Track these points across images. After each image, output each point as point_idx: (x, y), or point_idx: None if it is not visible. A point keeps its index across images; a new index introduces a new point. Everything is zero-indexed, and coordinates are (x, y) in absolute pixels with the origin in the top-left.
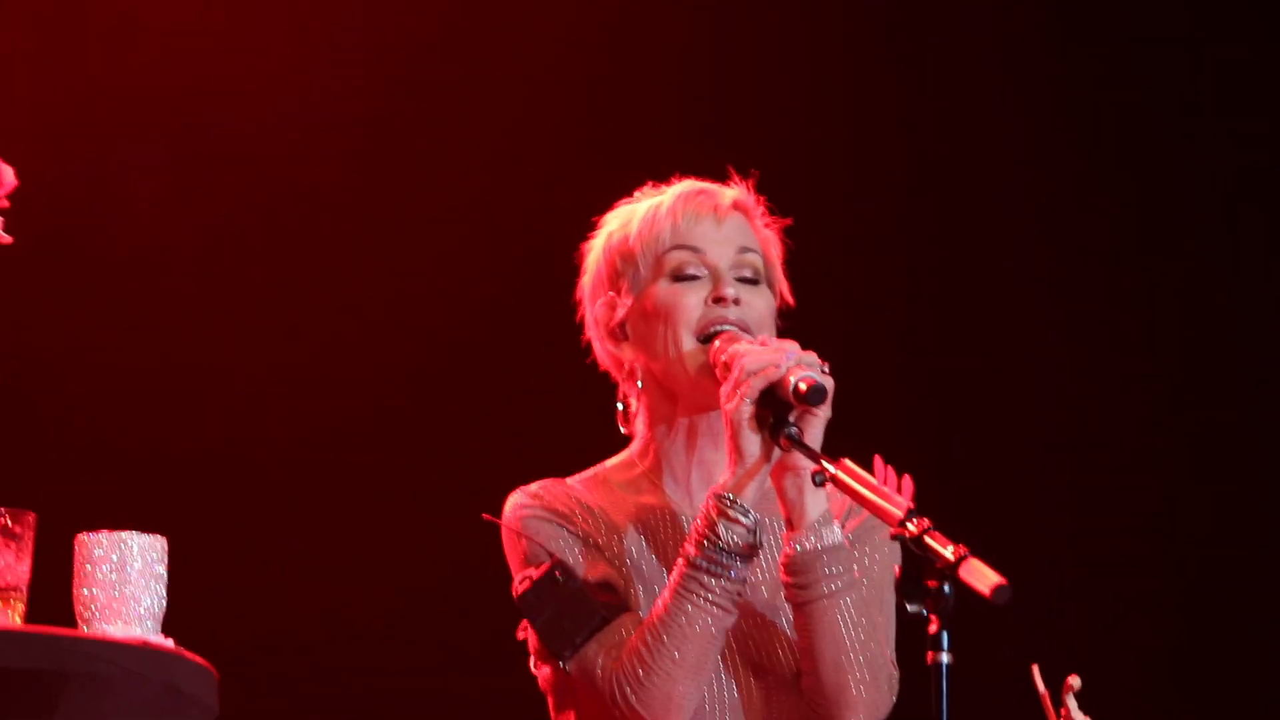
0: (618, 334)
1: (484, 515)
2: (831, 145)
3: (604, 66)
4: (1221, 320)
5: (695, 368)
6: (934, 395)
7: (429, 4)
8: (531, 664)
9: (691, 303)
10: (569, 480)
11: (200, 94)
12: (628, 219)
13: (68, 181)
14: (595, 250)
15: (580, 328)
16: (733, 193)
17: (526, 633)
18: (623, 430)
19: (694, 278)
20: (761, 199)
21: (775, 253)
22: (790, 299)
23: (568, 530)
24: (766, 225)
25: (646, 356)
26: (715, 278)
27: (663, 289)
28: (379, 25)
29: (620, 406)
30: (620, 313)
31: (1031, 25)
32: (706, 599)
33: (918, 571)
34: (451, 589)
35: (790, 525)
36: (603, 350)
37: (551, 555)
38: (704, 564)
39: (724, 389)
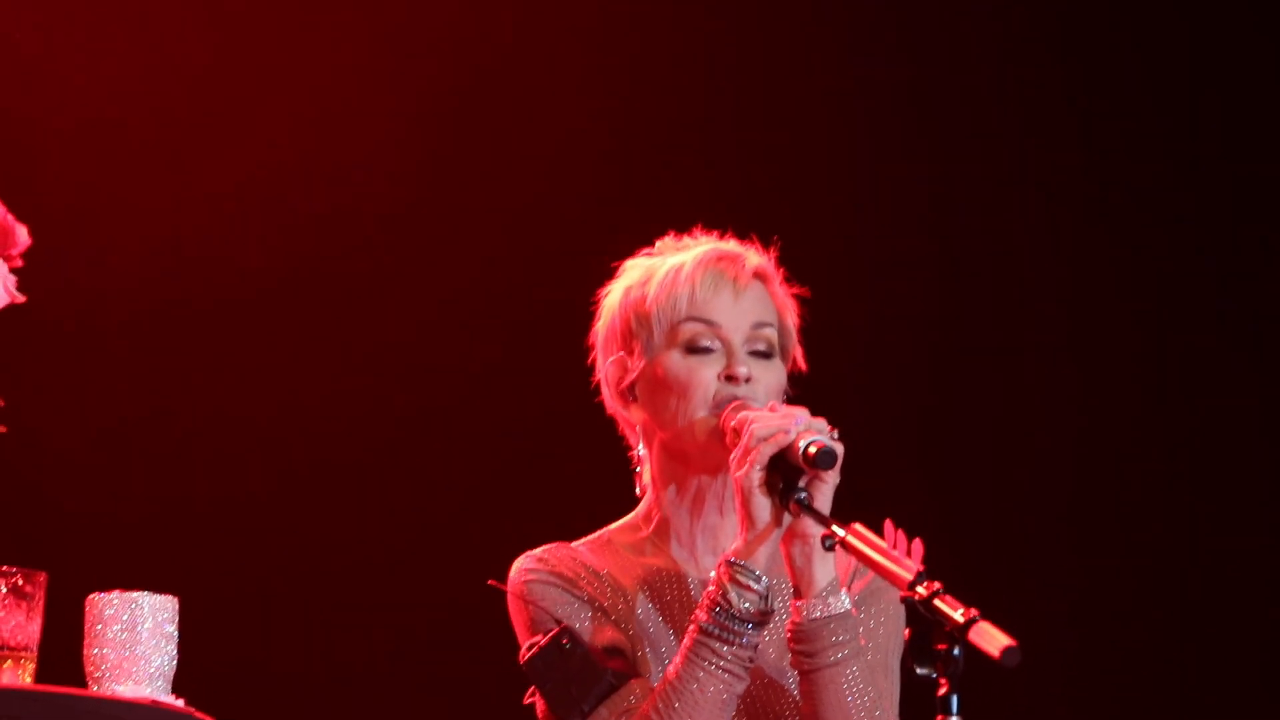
0: (627, 395)
1: (490, 581)
2: (850, 207)
3: (632, 115)
4: (1240, 372)
5: (704, 435)
6: (945, 459)
7: (449, 44)
8: None
9: (704, 378)
10: (574, 544)
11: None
12: (647, 278)
13: (70, 238)
14: (611, 303)
15: (591, 373)
16: (754, 260)
17: (534, 698)
18: (638, 493)
19: (707, 350)
20: (782, 270)
21: (791, 320)
22: (803, 364)
23: (574, 595)
24: (785, 291)
25: (655, 422)
26: (729, 353)
27: (675, 360)
28: (409, 65)
29: (637, 469)
30: (631, 375)
31: (1055, 60)
32: (718, 665)
33: (927, 634)
34: (461, 654)
35: (798, 593)
36: (609, 404)
37: (558, 621)
38: (715, 630)
39: (734, 455)
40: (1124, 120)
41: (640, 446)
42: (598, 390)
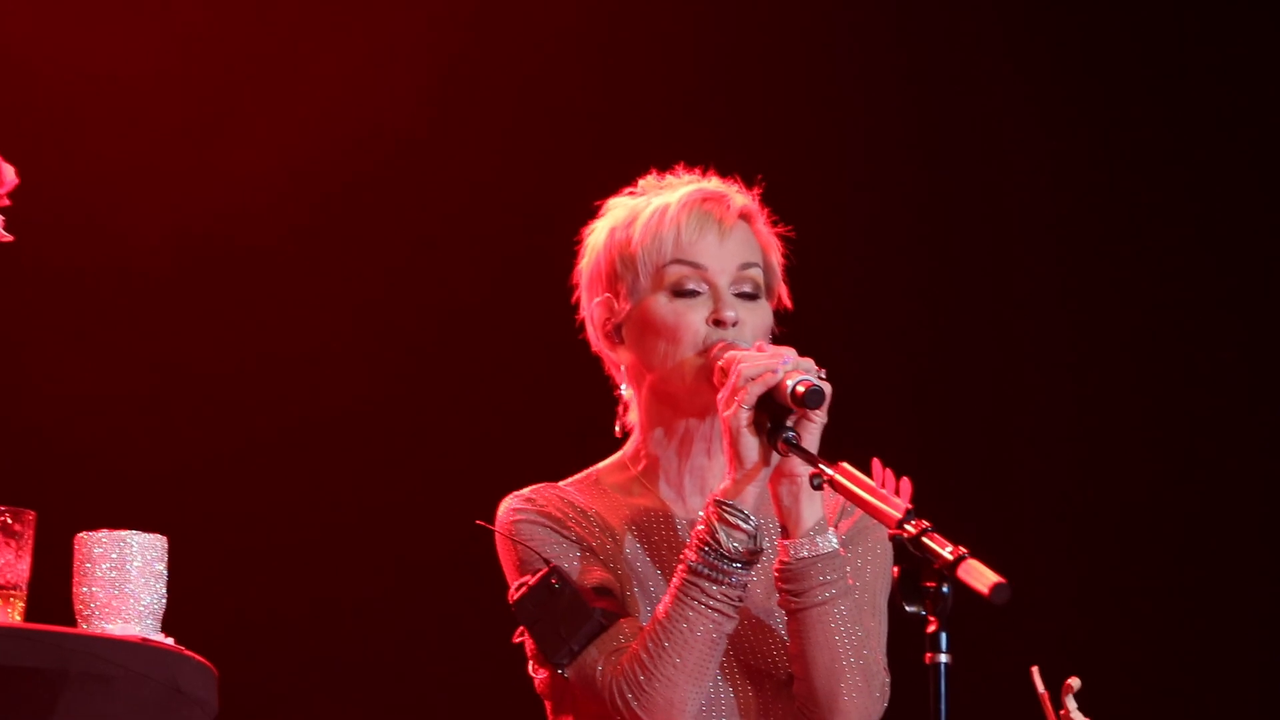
0: (613, 336)
1: (478, 521)
2: (834, 146)
3: (612, 54)
4: (1230, 324)
5: (693, 378)
6: (933, 397)
7: None
8: (529, 668)
9: (691, 322)
10: (562, 483)
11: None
12: (631, 218)
13: (72, 180)
14: (596, 243)
15: (575, 311)
16: (739, 200)
17: (523, 637)
18: (617, 433)
19: (694, 294)
20: (766, 209)
21: (776, 259)
22: (789, 303)
23: (562, 534)
24: (769, 230)
25: (643, 365)
26: (715, 296)
27: (662, 304)
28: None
29: (620, 410)
30: (617, 317)
31: (1047, 28)
32: (707, 604)
33: (916, 572)
34: (448, 591)
35: (785, 533)
36: (595, 344)
37: (547, 561)
38: (704, 570)
39: (721, 395)
40: (1120, 70)
41: (626, 387)
42: (582, 328)
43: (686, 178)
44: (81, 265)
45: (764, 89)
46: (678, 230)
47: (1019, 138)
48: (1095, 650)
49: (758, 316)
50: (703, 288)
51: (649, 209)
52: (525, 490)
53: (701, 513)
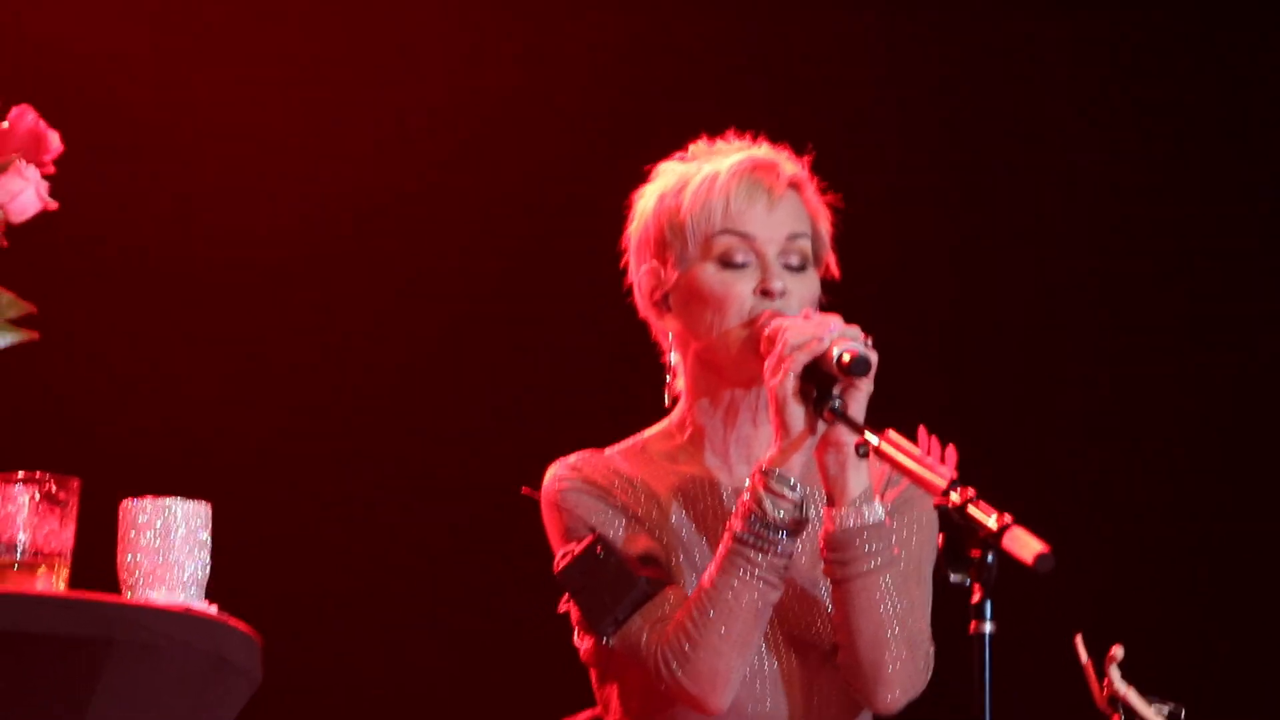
0: (661, 304)
1: (523, 489)
2: (880, 121)
3: (664, 19)
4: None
5: (739, 348)
6: (979, 367)
7: None
8: (574, 637)
9: (739, 293)
10: (607, 451)
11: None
12: (681, 185)
13: (116, 159)
14: (645, 209)
15: (624, 277)
16: (788, 169)
17: (568, 606)
18: (666, 402)
19: (742, 265)
20: (815, 178)
21: (825, 228)
22: (836, 272)
23: (607, 503)
24: (819, 198)
25: (690, 333)
26: (763, 267)
27: (710, 274)
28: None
29: (667, 378)
30: (665, 285)
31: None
32: (753, 574)
33: (961, 541)
34: (495, 559)
35: (831, 501)
36: (642, 311)
37: (592, 529)
38: (750, 539)
39: (768, 364)
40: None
41: (673, 354)
42: (629, 293)
43: (737, 144)
44: (128, 236)
45: (812, 60)
46: (727, 199)
47: (1065, 111)
48: (1140, 619)
49: (805, 287)
50: (750, 258)
51: (699, 176)
52: (571, 458)
53: (748, 481)
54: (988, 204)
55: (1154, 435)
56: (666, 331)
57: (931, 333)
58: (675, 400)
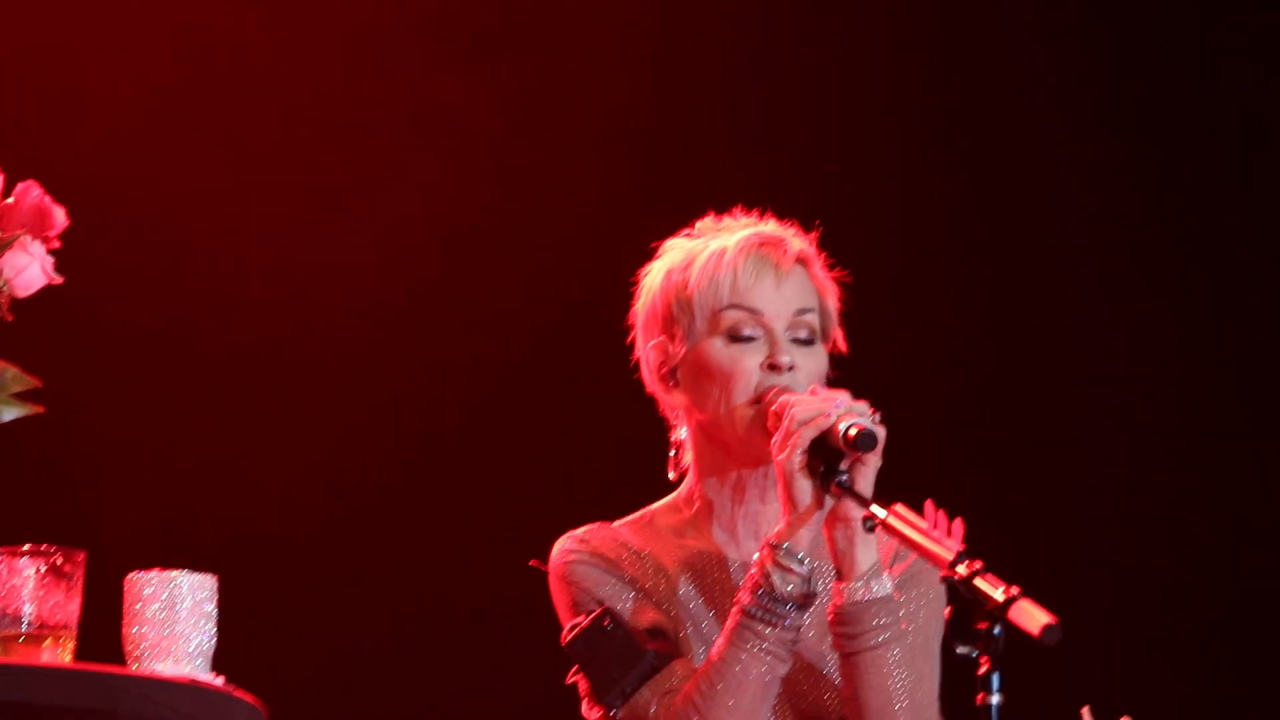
0: (668, 379)
1: (531, 562)
2: (883, 196)
3: (669, 95)
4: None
5: (745, 426)
6: (986, 440)
7: (490, 33)
8: (583, 708)
9: (746, 368)
10: (615, 524)
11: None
12: (688, 261)
13: (120, 233)
14: (653, 284)
15: (630, 353)
16: (796, 244)
17: (577, 678)
18: (671, 477)
19: (749, 339)
20: (823, 254)
21: (833, 303)
22: (844, 346)
23: (615, 575)
24: (826, 274)
25: (697, 409)
26: (771, 341)
27: (718, 349)
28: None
29: (673, 453)
30: (672, 360)
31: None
32: (761, 647)
33: (968, 613)
34: (503, 635)
35: (840, 575)
36: (650, 386)
37: (600, 602)
38: (758, 613)
39: (775, 439)
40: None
41: (681, 430)
42: (637, 369)
43: (743, 220)
44: (133, 310)
45: (815, 132)
46: (734, 274)
47: (1067, 174)
48: (1148, 689)
49: (813, 362)
50: (758, 333)
51: (706, 252)
52: (579, 531)
53: (756, 555)
54: (997, 276)
55: (1164, 509)
56: (675, 407)
57: (940, 405)
58: (681, 475)
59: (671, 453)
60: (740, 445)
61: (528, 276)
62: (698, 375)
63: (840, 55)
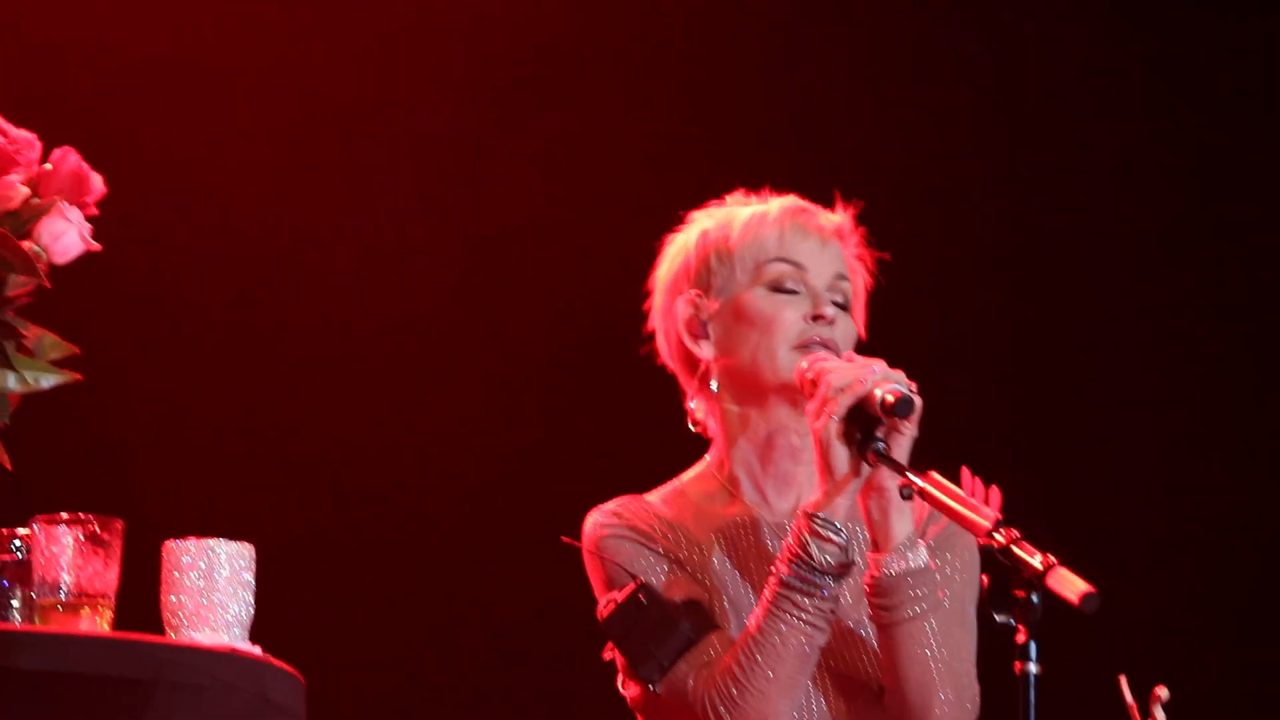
0: (698, 331)
1: (564, 538)
2: (918, 175)
3: (696, 82)
4: None
5: (785, 371)
6: (1022, 406)
7: (509, 18)
8: (619, 683)
9: (790, 317)
10: (647, 496)
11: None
12: (727, 220)
13: (160, 199)
14: (684, 244)
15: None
16: (836, 218)
17: (613, 653)
18: (693, 428)
19: (793, 292)
20: (861, 229)
21: (861, 285)
22: (863, 333)
23: (649, 548)
24: (857, 257)
25: (728, 358)
26: (814, 296)
27: (760, 296)
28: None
29: (691, 405)
30: (705, 311)
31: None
32: (800, 618)
33: (1005, 581)
34: (538, 610)
35: (875, 546)
36: (673, 344)
37: (634, 577)
38: (796, 583)
39: (810, 406)
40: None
41: (693, 400)
42: (649, 340)
43: (772, 199)
44: (172, 276)
45: (849, 118)
46: (781, 231)
47: (1105, 156)
48: (1185, 659)
49: (849, 326)
50: (800, 287)
51: (746, 212)
52: (610, 504)
53: (789, 519)
54: (1031, 247)
55: (1203, 473)
56: (699, 359)
57: (979, 373)
58: (700, 430)
59: (690, 405)
60: (774, 391)
61: (555, 267)
62: (736, 322)
63: (870, 41)
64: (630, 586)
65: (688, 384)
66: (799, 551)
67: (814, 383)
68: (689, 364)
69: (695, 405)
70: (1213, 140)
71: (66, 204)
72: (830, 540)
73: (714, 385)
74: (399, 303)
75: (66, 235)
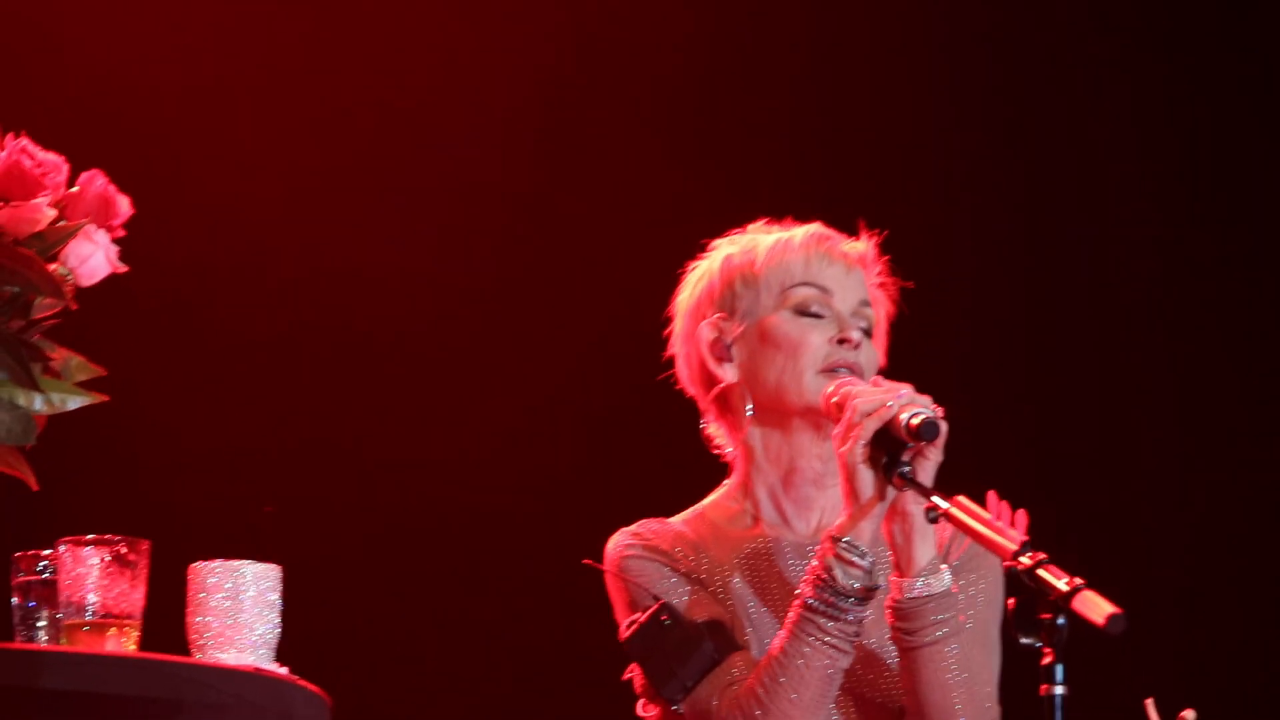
0: (722, 354)
1: (586, 560)
2: (945, 205)
3: (722, 113)
4: None
5: (810, 394)
6: (1049, 431)
7: (536, 44)
8: (639, 706)
9: (816, 340)
10: (670, 519)
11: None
12: (751, 246)
13: (186, 222)
14: (708, 269)
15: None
16: (860, 246)
17: (633, 674)
18: (713, 452)
19: (818, 316)
20: (884, 259)
21: (883, 314)
22: (882, 360)
23: (672, 570)
24: (880, 286)
25: (751, 381)
26: (839, 320)
27: (786, 320)
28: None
29: (710, 429)
30: (730, 335)
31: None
32: (824, 641)
33: (1031, 604)
34: (560, 631)
35: (898, 570)
36: (694, 368)
37: (657, 598)
38: (821, 606)
39: (836, 431)
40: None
41: (713, 424)
42: (668, 366)
43: (794, 228)
44: (199, 299)
45: (870, 141)
46: (806, 256)
47: (1129, 166)
48: (1212, 683)
49: (872, 351)
50: (826, 311)
51: (770, 237)
52: (633, 526)
53: (810, 541)
54: (1056, 268)
55: (1233, 498)
56: (721, 380)
57: (1002, 401)
58: (725, 462)
59: (716, 447)
60: (799, 414)
61: (585, 297)
62: (762, 345)
63: (898, 46)
64: (653, 607)
65: (708, 408)
66: (824, 575)
67: (839, 407)
68: (710, 388)
69: (715, 429)
70: (1247, 151)
71: (93, 226)
72: (855, 564)
73: (749, 409)
74: (427, 326)
75: (93, 258)
